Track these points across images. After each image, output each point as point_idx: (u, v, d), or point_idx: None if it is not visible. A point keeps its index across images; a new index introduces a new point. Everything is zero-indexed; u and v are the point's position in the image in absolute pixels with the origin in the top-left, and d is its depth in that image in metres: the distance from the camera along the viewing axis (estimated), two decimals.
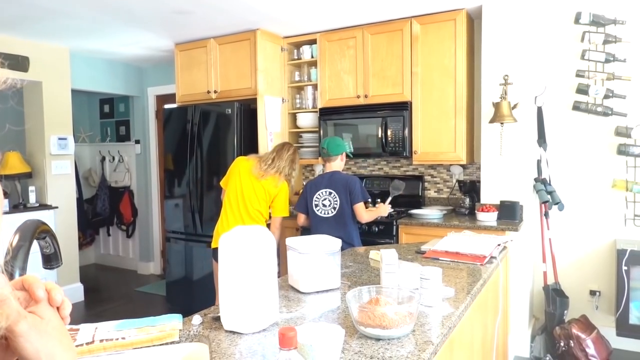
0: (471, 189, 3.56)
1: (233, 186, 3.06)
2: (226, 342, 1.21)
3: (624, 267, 3.00)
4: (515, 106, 3.12)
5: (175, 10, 3.40)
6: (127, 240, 5.91)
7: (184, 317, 1.37)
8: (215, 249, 2.98)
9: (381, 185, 3.99)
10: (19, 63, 4.12)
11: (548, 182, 3.37)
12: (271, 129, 3.96)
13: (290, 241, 1.69)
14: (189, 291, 4.09)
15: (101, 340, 1.16)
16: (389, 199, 3.07)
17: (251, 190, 3.02)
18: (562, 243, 3.42)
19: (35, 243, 0.89)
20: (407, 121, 3.57)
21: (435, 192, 3.92)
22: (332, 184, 2.95)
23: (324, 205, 2.95)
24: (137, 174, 5.73)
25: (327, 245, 1.65)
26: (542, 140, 3.39)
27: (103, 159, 6.01)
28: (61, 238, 4.32)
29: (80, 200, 5.44)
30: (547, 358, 3.02)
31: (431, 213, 3.36)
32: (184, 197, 4.10)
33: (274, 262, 1.32)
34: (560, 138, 3.42)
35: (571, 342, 2.93)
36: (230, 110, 3.80)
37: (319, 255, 1.61)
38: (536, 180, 3.34)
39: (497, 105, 3.12)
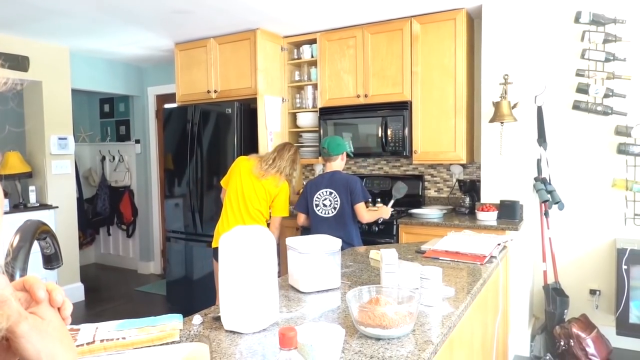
0: (471, 188, 3.56)
1: (234, 186, 3.06)
2: (226, 342, 1.21)
3: (624, 266, 3.00)
4: (515, 105, 3.12)
5: (175, 10, 3.40)
6: (128, 239, 5.91)
7: (184, 316, 1.37)
8: (216, 249, 2.98)
9: (381, 184, 3.99)
10: (19, 63, 4.12)
11: (548, 181, 3.37)
12: (271, 129, 3.96)
13: (290, 241, 1.69)
14: (189, 291, 4.10)
15: (102, 340, 1.16)
16: (392, 201, 3.06)
17: (252, 190, 3.02)
18: (562, 242, 3.42)
19: (35, 243, 0.89)
20: (407, 121, 3.57)
21: (435, 191, 3.92)
22: (333, 183, 2.95)
23: (325, 205, 2.95)
24: (137, 174, 5.73)
25: (327, 245, 1.65)
26: (542, 139, 3.39)
27: (103, 158, 6.01)
28: (61, 238, 4.32)
29: (80, 200, 5.44)
30: (547, 357, 3.02)
31: (431, 212, 3.36)
32: (184, 196, 4.11)
33: (274, 262, 1.32)
34: (560, 137, 3.42)
35: (571, 341, 2.93)
36: (230, 110, 3.80)
37: (319, 255, 1.61)
38: (536, 179, 3.34)
39: (497, 105, 3.12)
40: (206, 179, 3.96)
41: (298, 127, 4.22)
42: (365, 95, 3.78)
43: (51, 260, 1.00)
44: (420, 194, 3.86)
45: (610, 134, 3.25)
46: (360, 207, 2.88)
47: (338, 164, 3.02)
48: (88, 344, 1.14)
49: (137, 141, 5.65)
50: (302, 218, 3.09)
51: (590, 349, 2.91)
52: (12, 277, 0.79)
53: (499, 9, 3.27)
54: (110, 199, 5.86)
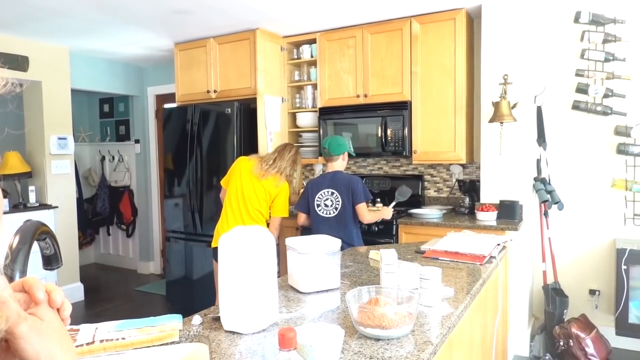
0: (471, 188, 3.57)
1: (234, 186, 3.06)
2: (226, 343, 1.21)
3: (624, 267, 3.00)
4: (514, 105, 3.12)
5: (175, 10, 3.40)
6: (127, 239, 5.91)
7: (184, 316, 1.37)
8: (216, 249, 2.98)
9: (381, 184, 3.99)
10: (18, 63, 4.12)
11: (547, 181, 3.37)
12: (271, 129, 3.96)
13: (289, 241, 1.69)
14: (189, 291, 4.10)
15: (101, 341, 1.16)
16: (393, 203, 3.05)
17: (251, 190, 3.02)
18: (561, 242, 3.43)
19: (35, 244, 0.89)
20: (406, 120, 3.57)
21: (435, 191, 3.92)
22: (334, 184, 2.94)
23: (326, 206, 2.94)
24: (137, 174, 5.73)
25: (327, 245, 1.65)
26: (541, 139, 3.39)
27: (103, 158, 6.01)
28: (61, 238, 4.32)
29: (80, 200, 5.44)
30: (547, 357, 3.02)
31: (431, 212, 3.37)
32: (183, 196, 4.11)
33: (273, 262, 1.32)
34: (560, 137, 3.42)
35: (571, 341, 2.93)
36: (230, 110, 3.80)
37: (318, 255, 1.61)
38: (536, 179, 3.34)
39: (496, 105, 3.12)
40: (206, 179, 3.96)
41: (298, 127, 4.22)
42: (365, 95, 3.78)
43: (51, 261, 1.00)
44: (420, 194, 3.86)
45: (610, 134, 3.25)
46: (362, 208, 2.88)
47: (339, 164, 3.01)
48: (88, 344, 1.14)
49: (137, 141, 5.65)
50: (302, 218, 3.08)
51: (590, 349, 2.91)
52: (11, 279, 0.79)
53: (498, 9, 3.27)
54: (110, 199, 5.86)
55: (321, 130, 3.91)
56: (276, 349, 1.01)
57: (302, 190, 3.29)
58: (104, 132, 6.03)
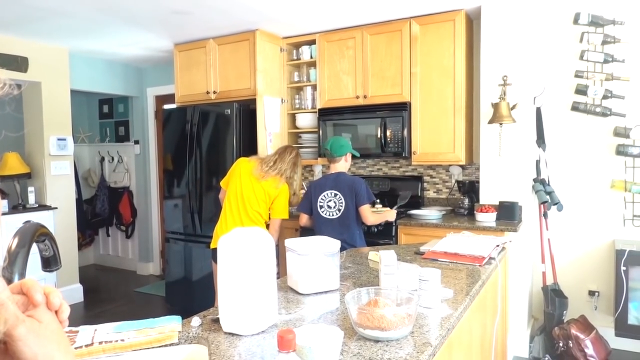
0: (470, 189, 3.57)
1: (233, 187, 3.06)
2: (225, 344, 1.21)
3: (623, 268, 3.00)
4: (514, 107, 3.12)
5: (175, 11, 3.40)
6: (127, 240, 5.90)
7: (183, 317, 1.37)
8: (215, 250, 2.98)
9: (380, 185, 3.99)
10: (18, 64, 4.12)
11: (547, 182, 3.37)
12: (270, 130, 3.96)
13: (289, 242, 1.69)
14: (189, 292, 4.10)
15: (100, 343, 1.16)
16: (397, 205, 3.11)
17: (251, 192, 3.01)
18: (561, 243, 3.43)
19: (34, 245, 0.89)
20: (406, 121, 3.58)
21: (434, 192, 3.92)
22: (338, 185, 2.92)
23: (329, 207, 2.93)
24: (136, 175, 5.73)
25: (326, 246, 1.65)
26: (541, 140, 3.39)
27: (102, 159, 6.01)
28: (60, 239, 4.32)
29: (79, 201, 5.44)
30: (546, 358, 3.02)
31: (430, 213, 3.37)
32: (183, 197, 4.11)
33: (273, 264, 1.32)
34: (559, 138, 3.42)
35: (570, 342, 2.93)
36: (229, 111, 3.80)
37: (318, 257, 1.61)
38: (535, 180, 3.34)
39: (496, 106, 3.12)
40: (205, 180, 3.96)
41: (297, 128, 4.22)
42: (365, 96, 3.78)
43: (50, 263, 1.00)
44: (419, 194, 3.86)
45: (609, 135, 3.25)
46: (365, 209, 2.87)
47: (342, 165, 3.00)
48: (86, 346, 1.14)
49: (137, 142, 5.65)
50: (304, 219, 3.06)
51: (589, 350, 2.91)
52: (10, 281, 0.79)
53: (498, 10, 3.27)
54: (109, 199, 5.86)
55: (321, 131, 3.91)
56: (275, 351, 1.01)
57: (301, 193, 3.29)
58: (104, 133, 6.03)
